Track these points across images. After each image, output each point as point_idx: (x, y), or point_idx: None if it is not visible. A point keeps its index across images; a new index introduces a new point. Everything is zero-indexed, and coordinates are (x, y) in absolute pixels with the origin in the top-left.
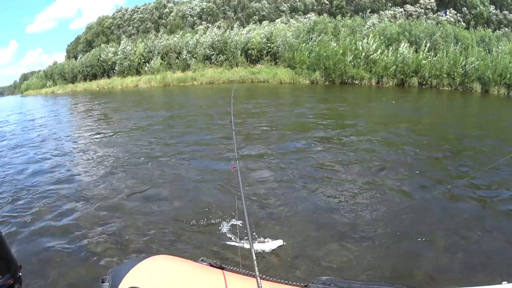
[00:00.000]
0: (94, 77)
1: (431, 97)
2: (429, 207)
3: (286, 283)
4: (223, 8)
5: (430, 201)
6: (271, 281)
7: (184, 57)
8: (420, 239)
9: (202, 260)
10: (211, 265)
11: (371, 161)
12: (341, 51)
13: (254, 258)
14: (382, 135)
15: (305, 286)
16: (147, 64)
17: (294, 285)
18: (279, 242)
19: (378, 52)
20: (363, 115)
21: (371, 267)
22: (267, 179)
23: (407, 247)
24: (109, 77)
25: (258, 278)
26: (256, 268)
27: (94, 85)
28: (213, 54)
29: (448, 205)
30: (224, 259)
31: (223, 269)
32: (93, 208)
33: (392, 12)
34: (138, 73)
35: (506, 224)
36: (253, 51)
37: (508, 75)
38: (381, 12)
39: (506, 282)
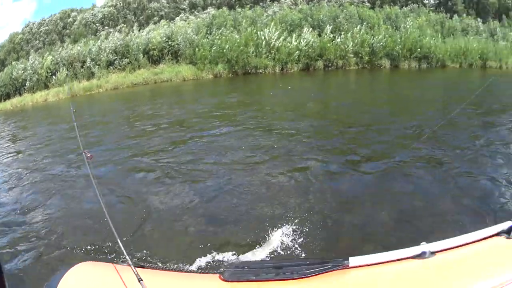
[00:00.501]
0: (8, 96)
1: (335, 78)
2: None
3: (199, 272)
4: (123, 12)
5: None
6: (183, 271)
7: (88, 65)
8: (339, 212)
9: (122, 262)
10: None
11: (255, 149)
12: (243, 41)
13: (123, 249)
14: (269, 121)
15: (219, 273)
16: (53, 76)
17: (206, 272)
18: None
19: (281, 39)
20: (253, 104)
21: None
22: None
23: (328, 223)
24: (20, 94)
25: (133, 267)
26: (128, 257)
27: (8, 104)
28: (116, 59)
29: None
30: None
31: (143, 267)
32: None
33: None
34: (46, 87)
35: (419, 188)
36: (154, 52)
37: (419, 49)
38: (281, 0)
39: (424, 243)
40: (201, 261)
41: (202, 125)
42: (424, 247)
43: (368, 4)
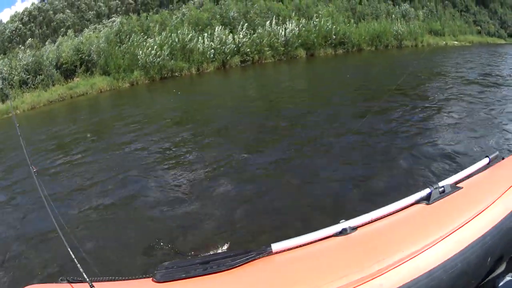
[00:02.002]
0: None
1: (245, 73)
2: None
3: (130, 279)
4: (29, 25)
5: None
6: (112, 280)
7: (1, 86)
8: (259, 202)
9: (61, 280)
10: (72, 282)
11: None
12: (156, 46)
13: (77, 262)
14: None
15: (152, 275)
16: None
17: (138, 278)
18: None
19: (194, 41)
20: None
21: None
22: None
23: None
24: None
25: (89, 282)
26: (82, 270)
27: None
28: (29, 77)
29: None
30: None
31: (86, 282)
32: None
33: (199, 0)
34: None
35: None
36: (66, 66)
37: (334, 36)
38: (189, 1)
39: (343, 220)
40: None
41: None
42: (344, 224)
43: None
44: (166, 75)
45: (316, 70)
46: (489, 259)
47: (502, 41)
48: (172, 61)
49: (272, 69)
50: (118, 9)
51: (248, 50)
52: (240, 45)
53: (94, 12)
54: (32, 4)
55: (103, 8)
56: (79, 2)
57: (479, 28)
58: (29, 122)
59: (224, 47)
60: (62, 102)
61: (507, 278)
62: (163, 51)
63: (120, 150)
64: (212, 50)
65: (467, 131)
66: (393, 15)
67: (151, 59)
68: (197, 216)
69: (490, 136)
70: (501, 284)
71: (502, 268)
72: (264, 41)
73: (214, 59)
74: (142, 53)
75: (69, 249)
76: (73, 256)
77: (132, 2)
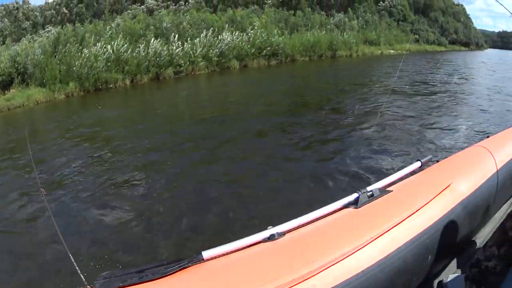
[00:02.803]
0: None
1: (183, 84)
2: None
3: None
4: None
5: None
6: None
7: None
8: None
9: None
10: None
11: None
12: (92, 57)
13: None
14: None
15: (92, 285)
16: None
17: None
18: None
19: (129, 51)
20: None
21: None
22: None
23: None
24: None
25: None
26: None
27: None
28: None
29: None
30: None
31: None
32: None
33: (133, 11)
34: None
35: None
36: (3, 77)
37: (268, 47)
38: (124, 12)
39: (271, 226)
40: None
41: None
42: (272, 230)
43: (208, 8)
44: (101, 87)
45: (249, 81)
46: (429, 257)
47: (443, 48)
48: (107, 72)
49: (206, 81)
50: (53, 19)
51: (182, 61)
52: (173, 56)
53: (31, 22)
54: None
55: (39, 18)
56: (16, 11)
57: (417, 36)
58: None
59: (158, 58)
60: (1, 113)
61: (455, 275)
62: (98, 62)
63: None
64: (147, 62)
65: (389, 141)
66: (328, 26)
67: (86, 71)
68: (140, 224)
69: (420, 142)
70: (448, 280)
71: (451, 266)
72: (198, 52)
73: (148, 70)
74: (77, 64)
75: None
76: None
77: (67, 12)
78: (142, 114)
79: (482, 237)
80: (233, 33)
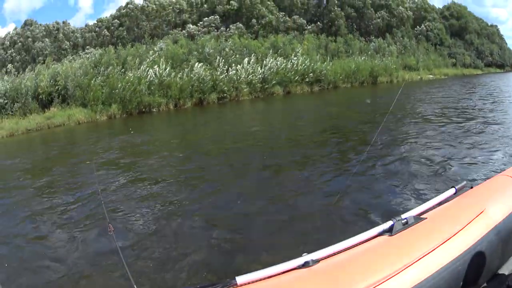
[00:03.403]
0: None
1: (227, 110)
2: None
3: None
4: (10, 51)
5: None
6: None
7: None
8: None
9: None
10: None
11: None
12: (135, 80)
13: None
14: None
15: None
16: None
17: None
18: None
19: (172, 76)
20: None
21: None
22: None
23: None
24: None
25: None
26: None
27: None
28: (6, 103)
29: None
30: None
31: None
32: None
33: (174, 36)
34: None
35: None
36: (43, 96)
37: (311, 74)
38: (165, 36)
39: (306, 253)
40: None
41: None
42: (307, 257)
43: (250, 34)
44: (144, 110)
45: (292, 108)
46: (461, 283)
47: (479, 71)
48: (150, 96)
49: (249, 107)
50: (94, 41)
51: (225, 87)
52: (217, 82)
53: (71, 42)
54: (15, 28)
55: (79, 40)
56: (56, 31)
57: (454, 60)
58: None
59: (202, 84)
60: (40, 131)
61: None
62: (141, 86)
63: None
64: (190, 87)
65: (421, 170)
66: (368, 52)
67: (129, 93)
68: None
69: (455, 167)
70: None
71: None
72: (242, 78)
73: (191, 95)
74: (120, 87)
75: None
76: None
77: (108, 34)
78: (181, 140)
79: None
80: (276, 59)
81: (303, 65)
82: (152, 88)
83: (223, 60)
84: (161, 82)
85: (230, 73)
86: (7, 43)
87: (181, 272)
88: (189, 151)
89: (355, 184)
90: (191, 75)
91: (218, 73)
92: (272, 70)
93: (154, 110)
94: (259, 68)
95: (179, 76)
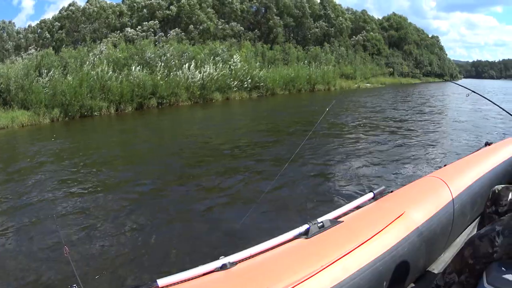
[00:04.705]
0: None
1: (166, 116)
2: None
3: None
4: None
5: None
6: None
7: None
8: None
9: None
10: None
11: None
12: (76, 83)
13: None
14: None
15: None
16: None
17: None
18: None
19: (113, 79)
20: None
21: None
22: None
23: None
24: None
25: None
26: None
27: None
28: None
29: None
30: None
31: None
32: None
33: (113, 39)
34: None
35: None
36: None
37: (249, 80)
38: (104, 39)
39: (223, 256)
40: None
41: None
42: (224, 259)
43: (188, 40)
44: (86, 114)
45: (229, 114)
46: (384, 283)
47: (417, 81)
48: (92, 99)
49: (188, 112)
50: (35, 42)
51: (165, 93)
52: (157, 87)
53: (14, 43)
54: None
55: (22, 41)
56: (2, 31)
57: (391, 69)
58: None
59: (142, 89)
60: None
61: None
62: (82, 89)
63: None
64: (131, 91)
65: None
66: (305, 60)
67: (71, 97)
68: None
69: (375, 174)
70: None
71: None
72: (181, 83)
73: (132, 100)
74: (61, 90)
75: None
76: None
77: (49, 36)
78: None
79: (441, 263)
80: (217, 65)
81: (242, 71)
82: (94, 91)
83: (162, 65)
84: (102, 85)
85: (169, 78)
86: None
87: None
88: (100, 160)
89: (273, 193)
90: (131, 78)
91: (159, 77)
92: (211, 76)
93: (95, 114)
94: (198, 74)
95: (119, 79)
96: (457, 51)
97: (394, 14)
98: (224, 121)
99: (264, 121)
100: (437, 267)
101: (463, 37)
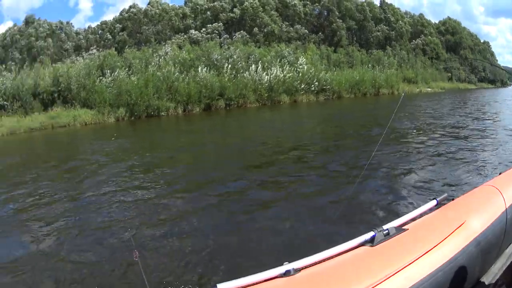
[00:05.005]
0: None
1: (233, 117)
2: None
3: None
4: (10, 49)
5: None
6: None
7: None
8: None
9: None
10: None
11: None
12: (142, 83)
13: None
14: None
15: None
16: None
17: None
18: None
19: (180, 80)
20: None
21: None
22: None
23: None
24: None
25: None
26: None
27: None
28: (7, 103)
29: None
30: None
31: None
32: None
33: (177, 40)
34: None
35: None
36: (44, 95)
37: (316, 83)
38: (168, 41)
39: (287, 262)
40: None
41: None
42: (288, 265)
43: (253, 43)
44: (152, 113)
45: (298, 117)
46: None
47: (473, 86)
48: (158, 100)
49: (256, 114)
50: (96, 43)
51: (233, 95)
52: (225, 88)
53: (73, 43)
54: (15, 25)
55: (82, 41)
56: (60, 31)
57: (449, 74)
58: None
59: (209, 90)
60: (44, 131)
61: None
62: (148, 89)
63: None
64: (198, 92)
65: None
66: (369, 63)
67: (136, 96)
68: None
69: (440, 178)
70: None
71: None
72: (249, 85)
73: (199, 101)
74: (125, 90)
75: None
76: None
77: (111, 37)
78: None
79: (491, 274)
80: (283, 67)
81: (309, 74)
82: (160, 92)
83: (230, 67)
84: (169, 86)
85: (237, 79)
86: (8, 39)
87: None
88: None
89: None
90: (198, 79)
91: (226, 79)
92: (278, 78)
93: (162, 114)
94: (265, 76)
95: (186, 80)
96: (505, 57)
97: (449, 18)
98: (293, 123)
99: (332, 125)
100: (487, 279)
101: (510, 43)
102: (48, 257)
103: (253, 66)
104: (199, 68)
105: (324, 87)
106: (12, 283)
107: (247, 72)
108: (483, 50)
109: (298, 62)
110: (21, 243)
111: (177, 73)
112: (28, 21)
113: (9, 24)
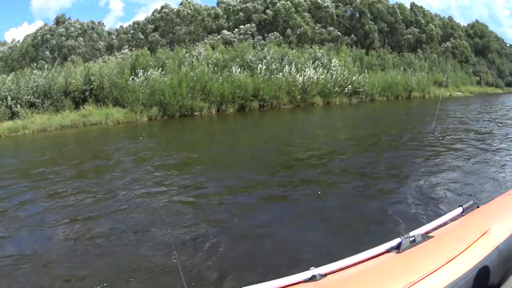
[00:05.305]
0: None
1: (266, 118)
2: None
3: None
4: (41, 48)
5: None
6: None
7: (9, 103)
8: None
9: None
10: None
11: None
12: (175, 83)
13: None
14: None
15: None
16: None
17: None
18: None
19: (213, 80)
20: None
21: None
22: None
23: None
24: None
25: None
26: None
27: None
28: (38, 101)
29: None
30: None
31: None
32: None
33: (210, 40)
34: None
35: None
36: (75, 93)
37: (349, 85)
38: (200, 41)
39: (313, 267)
40: None
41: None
42: (314, 270)
43: (286, 44)
44: (185, 113)
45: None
46: None
47: (500, 91)
48: (191, 100)
49: (290, 116)
50: (129, 43)
51: (266, 96)
52: (259, 90)
53: (105, 43)
54: (45, 25)
55: (114, 41)
56: (91, 31)
57: (478, 78)
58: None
59: (243, 90)
60: (75, 128)
61: None
62: (181, 89)
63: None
64: (232, 93)
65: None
66: (401, 66)
67: (170, 96)
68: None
69: (467, 185)
70: None
71: None
72: (283, 87)
73: (233, 101)
74: (159, 89)
75: None
76: None
77: (143, 37)
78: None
79: (509, 285)
80: (316, 69)
81: (342, 76)
82: (194, 92)
83: (264, 68)
84: (203, 86)
85: (271, 81)
86: (39, 38)
87: None
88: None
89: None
90: (232, 80)
91: (260, 80)
92: (311, 80)
93: (196, 113)
94: (299, 77)
95: (219, 80)
96: None
97: (477, 21)
98: (327, 126)
99: (368, 129)
100: (507, 287)
101: None
102: (83, 255)
103: (287, 67)
104: (233, 69)
105: (357, 89)
106: (52, 279)
107: (281, 74)
108: (510, 54)
109: (332, 64)
110: (58, 240)
111: (211, 73)
112: (59, 21)
113: (40, 23)
